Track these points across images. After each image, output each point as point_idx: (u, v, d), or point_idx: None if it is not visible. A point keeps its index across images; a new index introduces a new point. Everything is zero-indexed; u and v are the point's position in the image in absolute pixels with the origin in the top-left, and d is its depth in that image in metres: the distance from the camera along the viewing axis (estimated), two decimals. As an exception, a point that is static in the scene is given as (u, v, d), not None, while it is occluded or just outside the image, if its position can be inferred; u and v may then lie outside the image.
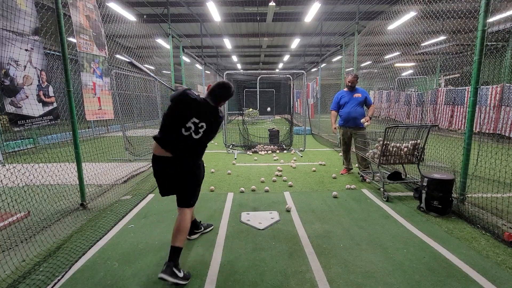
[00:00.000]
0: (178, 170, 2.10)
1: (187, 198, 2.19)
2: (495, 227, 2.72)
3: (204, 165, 2.36)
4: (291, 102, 8.66)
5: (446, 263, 2.21)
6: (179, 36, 8.71)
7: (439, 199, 3.06)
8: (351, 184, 4.20)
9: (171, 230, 2.12)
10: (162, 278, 1.90)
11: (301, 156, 6.59)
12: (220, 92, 2.17)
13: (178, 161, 2.07)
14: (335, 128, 4.90)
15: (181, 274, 1.97)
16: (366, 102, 4.57)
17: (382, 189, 3.66)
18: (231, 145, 7.72)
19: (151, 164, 2.21)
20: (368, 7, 8.59)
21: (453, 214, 3.11)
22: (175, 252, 2.01)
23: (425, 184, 3.15)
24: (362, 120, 4.35)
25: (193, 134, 2.04)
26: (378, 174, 3.88)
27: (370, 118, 4.38)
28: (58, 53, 6.40)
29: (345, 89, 4.71)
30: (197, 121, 2.04)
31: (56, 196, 3.35)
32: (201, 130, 2.06)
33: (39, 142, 7.60)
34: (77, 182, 3.38)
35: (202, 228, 2.76)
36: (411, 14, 6.81)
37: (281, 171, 5.09)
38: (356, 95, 4.54)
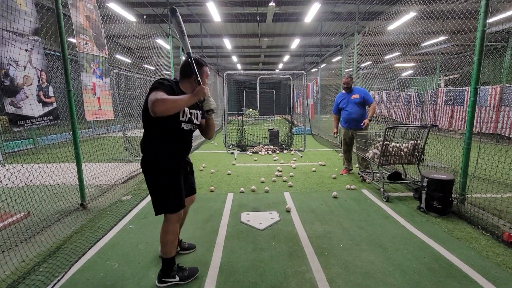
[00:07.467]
0: None
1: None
2: (495, 227, 2.72)
3: (167, 163, 1.89)
4: (291, 102, 8.66)
5: (446, 264, 2.21)
6: (179, 36, 8.69)
7: (439, 200, 3.06)
8: (351, 185, 4.20)
9: (171, 230, 2.11)
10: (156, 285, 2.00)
11: (301, 157, 6.59)
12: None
13: None
14: (335, 132, 4.93)
15: (174, 280, 1.97)
16: (365, 101, 4.52)
17: (382, 189, 3.66)
18: (231, 145, 7.72)
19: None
20: (368, 8, 8.59)
21: (453, 214, 3.11)
22: (162, 262, 2.00)
23: (425, 184, 3.15)
24: (362, 124, 4.40)
25: None
26: (378, 175, 3.88)
27: (370, 120, 4.40)
28: (58, 54, 6.40)
29: (343, 91, 4.72)
30: None
31: (56, 197, 3.35)
32: None
33: (39, 142, 7.60)
34: (77, 182, 3.38)
35: (178, 248, 2.33)
36: (411, 14, 6.81)
37: (281, 171, 5.09)
38: (354, 96, 4.53)
